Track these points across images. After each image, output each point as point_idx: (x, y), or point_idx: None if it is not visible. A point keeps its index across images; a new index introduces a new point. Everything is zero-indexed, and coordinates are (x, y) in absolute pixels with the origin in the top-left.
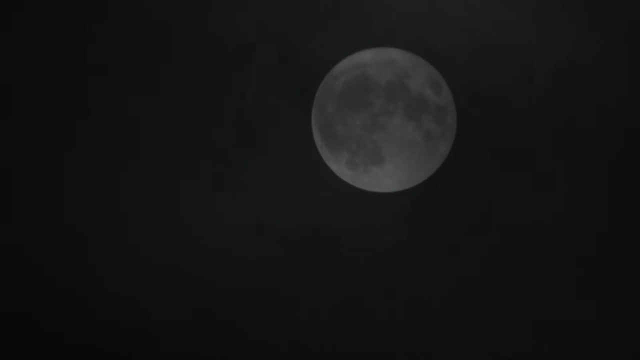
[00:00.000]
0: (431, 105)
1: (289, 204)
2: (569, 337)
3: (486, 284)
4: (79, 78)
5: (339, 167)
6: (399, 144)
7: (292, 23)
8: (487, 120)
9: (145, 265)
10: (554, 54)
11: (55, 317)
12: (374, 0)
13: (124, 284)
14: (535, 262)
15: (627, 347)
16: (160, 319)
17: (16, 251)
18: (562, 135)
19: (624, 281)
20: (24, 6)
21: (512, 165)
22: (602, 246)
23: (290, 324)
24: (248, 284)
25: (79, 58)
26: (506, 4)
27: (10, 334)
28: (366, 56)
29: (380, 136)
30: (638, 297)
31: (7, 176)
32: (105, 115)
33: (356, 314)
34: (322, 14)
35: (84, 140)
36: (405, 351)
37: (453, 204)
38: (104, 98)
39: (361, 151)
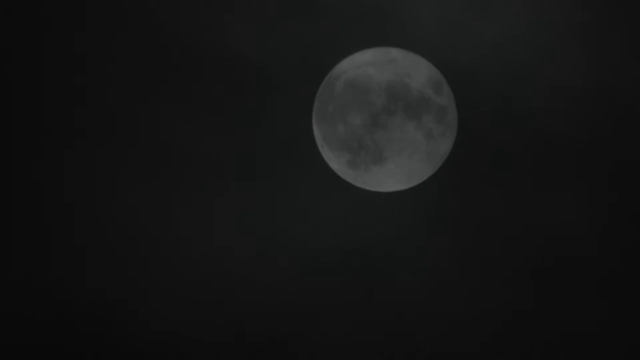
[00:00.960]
0: (432, 105)
1: (290, 204)
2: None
3: (486, 283)
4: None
5: (340, 166)
6: (400, 143)
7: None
8: (510, 140)
9: (179, 284)
10: (582, 74)
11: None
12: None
13: (161, 304)
14: (536, 262)
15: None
16: (195, 337)
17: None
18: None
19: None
20: (51, 21)
21: (515, 167)
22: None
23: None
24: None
25: (101, 73)
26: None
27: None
28: (367, 55)
29: (381, 136)
30: None
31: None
32: (146, 138)
33: (355, 314)
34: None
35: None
36: (406, 351)
37: (454, 204)
38: (134, 117)
39: (362, 151)
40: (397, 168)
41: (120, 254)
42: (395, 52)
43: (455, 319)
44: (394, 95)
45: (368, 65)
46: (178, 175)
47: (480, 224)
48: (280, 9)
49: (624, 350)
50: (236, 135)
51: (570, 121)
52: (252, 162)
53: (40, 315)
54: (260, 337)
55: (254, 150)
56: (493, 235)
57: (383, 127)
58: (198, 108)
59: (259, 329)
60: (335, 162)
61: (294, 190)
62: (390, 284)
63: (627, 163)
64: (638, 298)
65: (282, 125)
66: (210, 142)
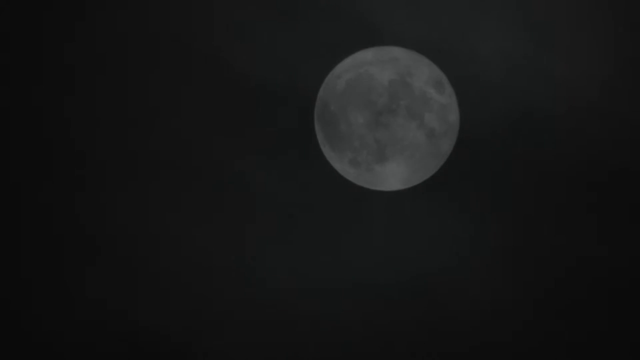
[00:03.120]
0: (434, 104)
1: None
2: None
3: (487, 282)
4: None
5: (342, 165)
6: (401, 142)
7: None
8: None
9: (227, 313)
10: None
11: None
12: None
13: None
14: (536, 261)
15: None
16: None
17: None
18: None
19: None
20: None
21: (514, 166)
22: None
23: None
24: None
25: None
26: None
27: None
28: (369, 55)
29: (383, 135)
30: None
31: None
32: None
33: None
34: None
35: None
36: (411, 351)
37: (455, 203)
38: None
39: (364, 150)
40: (399, 167)
41: (197, 293)
42: (396, 51)
43: (453, 317)
44: (395, 94)
45: (370, 64)
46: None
47: (481, 223)
48: (281, 8)
49: None
50: (237, 135)
51: (571, 116)
52: (253, 162)
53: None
54: None
55: (255, 149)
56: (494, 233)
57: (385, 126)
58: (198, 108)
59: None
60: (337, 161)
61: (295, 189)
62: (392, 283)
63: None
64: None
65: (283, 125)
66: (210, 141)
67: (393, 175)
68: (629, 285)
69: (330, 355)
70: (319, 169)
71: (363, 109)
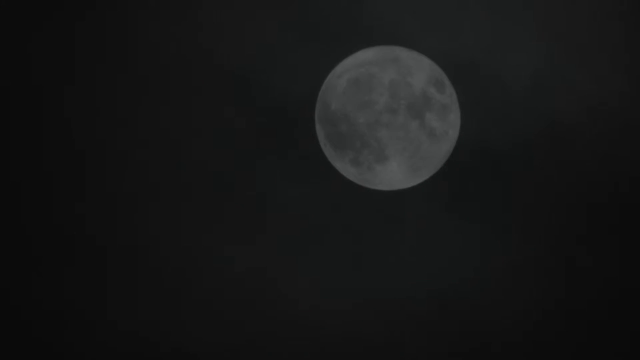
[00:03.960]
0: (435, 104)
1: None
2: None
3: (487, 281)
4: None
5: (343, 164)
6: (402, 142)
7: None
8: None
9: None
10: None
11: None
12: None
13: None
14: (537, 260)
15: None
16: None
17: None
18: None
19: None
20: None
21: (513, 167)
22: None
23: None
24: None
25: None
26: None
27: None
28: (370, 54)
29: (384, 134)
30: None
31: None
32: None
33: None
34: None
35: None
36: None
37: (456, 202)
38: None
39: (365, 149)
40: (400, 166)
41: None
42: (398, 51)
43: (449, 317)
44: (396, 94)
45: (371, 64)
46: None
47: (482, 222)
48: (282, 8)
49: None
50: (237, 135)
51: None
52: (252, 161)
53: None
54: None
55: (255, 149)
56: (494, 233)
57: (386, 126)
58: (197, 110)
59: None
60: (338, 160)
61: (296, 189)
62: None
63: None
64: None
65: (284, 125)
66: (210, 141)
67: (394, 175)
68: None
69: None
70: (320, 168)
71: (364, 109)
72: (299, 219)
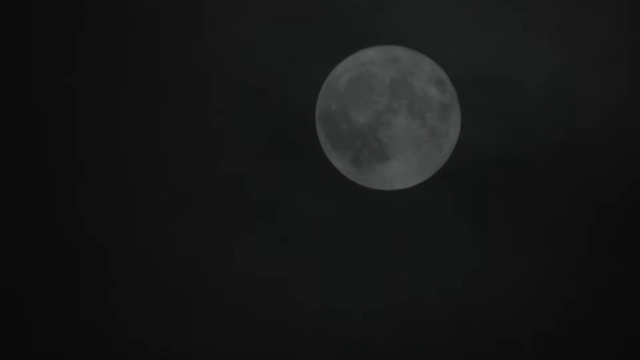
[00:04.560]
0: (435, 103)
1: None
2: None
3: (487, 279)
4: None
5: (343, 164)
6: (403, 141)
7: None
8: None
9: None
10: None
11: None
12: None
13: None
14: (538, 259)
15: None
16: None
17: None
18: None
19: None
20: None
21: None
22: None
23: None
24: None
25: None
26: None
27: None
28: (370, 54)
29: (385, 134)
30: None
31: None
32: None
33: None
34: None
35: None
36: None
37: (457, 201)
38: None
39: (365, 149)
40: (400, 166)
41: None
42: (398, 50)
43: (456, 316)
44: (397, 94)
45: (371, 64)
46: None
47: (483, 222)
48: (282, 7)
49: None
50: (236, 134)
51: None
52: (253, 162)
53: None
54: None
55: (255, 149)
56: (495, 232)
57: (386, 126)
58: (198, 111)
59: None
60: (339, 160)
61: (296, 188)
62: (394, 281)
63: None
64: None
65: (284, 124)
66: (210, 141)
67: (394, 175)
68: None
69: None
70: (320, 168)
71: (365, 109)
72: (299, 219)
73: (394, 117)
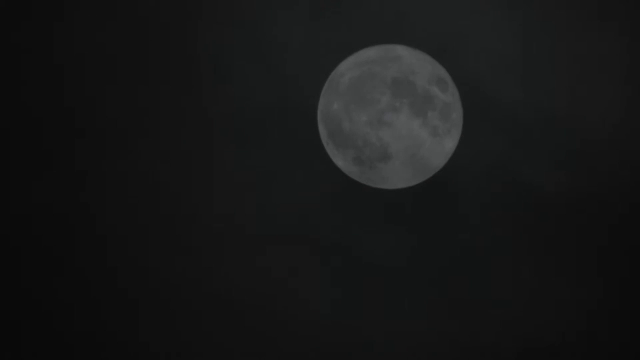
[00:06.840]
0: (437, 102)
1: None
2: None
3: (488, 279)
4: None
5: (345, 163)
6: (405, 140)
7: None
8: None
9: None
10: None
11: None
12: None
13: None
14: (540, 257)
15: None
16: None
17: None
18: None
19: None
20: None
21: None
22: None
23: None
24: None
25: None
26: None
27: None
28: (372, 53)
29: (386, 133)
30: None
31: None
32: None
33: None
34: None
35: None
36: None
37: (458, 201)
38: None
39: (367, 148)
40: (402, 165)
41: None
42: (400, 49)
43: (460, 316)
44: (399, 93)
45: (373, 63)
46: None
47: (483, 221)
48: (283, 6)
49: None
50: (238, 134)
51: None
52: (254, 161)
53: None
54: None
55: (255, 149)
56: (495, 232)
57: (388, 125)
58: (198, 108)
59: None
60: (341, 159)
61: (298, 187)
62: (394, 281)
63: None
64: None
65: (285, 124)
66: (209, 142)
67: (396, 174)
68: None
69: None
70: (322, 167)
71: (366, 107)
72: (299, 219)
73: (395, 116)
